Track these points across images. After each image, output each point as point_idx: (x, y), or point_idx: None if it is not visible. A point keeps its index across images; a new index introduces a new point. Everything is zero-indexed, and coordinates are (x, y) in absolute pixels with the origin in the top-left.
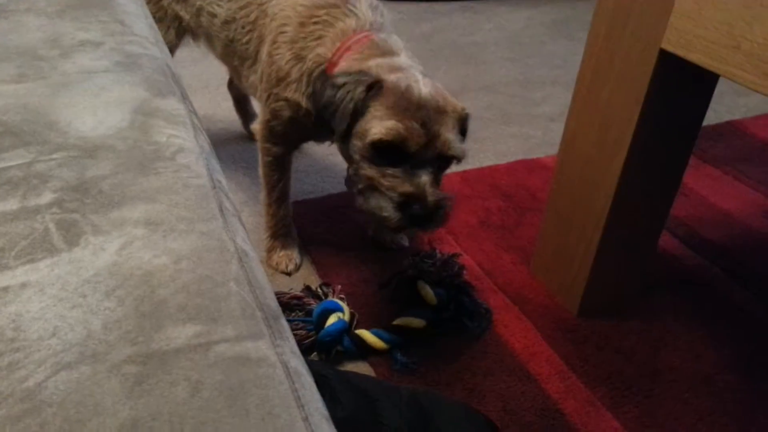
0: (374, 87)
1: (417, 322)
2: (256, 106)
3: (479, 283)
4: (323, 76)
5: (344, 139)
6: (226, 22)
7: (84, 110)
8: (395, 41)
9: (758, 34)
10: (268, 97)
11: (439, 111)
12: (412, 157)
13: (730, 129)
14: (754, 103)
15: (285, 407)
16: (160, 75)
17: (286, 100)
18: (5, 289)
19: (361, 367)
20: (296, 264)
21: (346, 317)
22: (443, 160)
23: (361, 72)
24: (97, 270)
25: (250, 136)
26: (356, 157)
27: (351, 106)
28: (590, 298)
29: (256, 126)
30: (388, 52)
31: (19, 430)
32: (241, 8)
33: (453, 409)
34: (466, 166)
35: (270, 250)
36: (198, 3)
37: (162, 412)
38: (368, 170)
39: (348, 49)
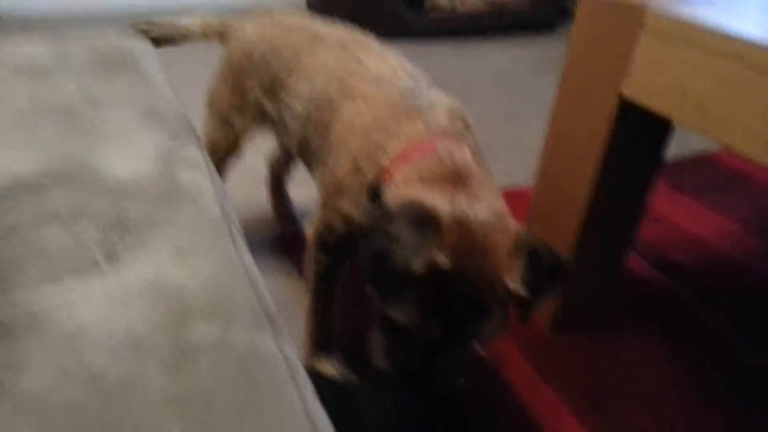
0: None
1: None
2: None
3: None
4: (379, 192)
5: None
6: (302, 121)
7: (118, 158)
8: (463, 156)
9: (698, 85)
10: (324, 206)
11: (480, 307)
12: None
13: (704, 160)
14: None
15: (284, 384)
16: (179, 126)
17: (340, 212)
18: (64, 297)
19: None
20: (339, 372)
21: None
22: None
23: (423, 227)
24: (137, 285)
25: (277, 221)
26: (377, 307)
27: (401, 270)
28: (562, 315)
29: (309, 231)
30: (448, 173)
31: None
32: (318, 108)
33: None
34: None
35: (310, 356)
36: (283, 97)
37: (194, 389)
38: (382, 332)
39: (406, 157)
